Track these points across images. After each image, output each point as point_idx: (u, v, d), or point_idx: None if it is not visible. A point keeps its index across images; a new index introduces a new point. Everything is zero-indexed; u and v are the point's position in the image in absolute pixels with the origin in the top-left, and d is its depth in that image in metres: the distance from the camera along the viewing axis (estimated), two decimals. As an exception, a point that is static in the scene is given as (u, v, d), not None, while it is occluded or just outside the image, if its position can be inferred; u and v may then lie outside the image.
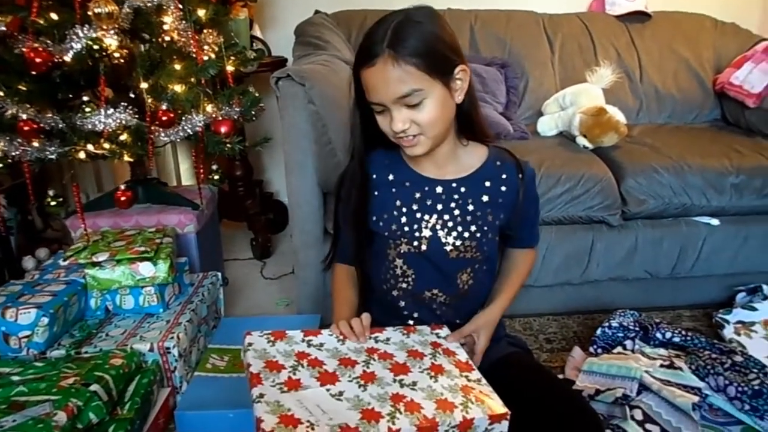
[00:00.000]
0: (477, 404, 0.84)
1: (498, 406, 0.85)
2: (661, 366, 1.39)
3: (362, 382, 0.86)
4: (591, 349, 1.58)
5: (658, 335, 1.54)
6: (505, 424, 0.84)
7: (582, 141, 1.93)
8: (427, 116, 0.96)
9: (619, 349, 1.54)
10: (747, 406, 1.28)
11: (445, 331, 1.05)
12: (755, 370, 1.33)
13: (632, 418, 1.27)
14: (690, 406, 1.24)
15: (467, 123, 1.06)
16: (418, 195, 1.08)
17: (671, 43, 2.41)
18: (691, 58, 2.40)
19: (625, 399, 1.30)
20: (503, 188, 1.09)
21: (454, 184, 1.08)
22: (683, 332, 1.54)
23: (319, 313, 1.71)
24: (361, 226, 1.12)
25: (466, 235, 1.08)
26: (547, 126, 2.15)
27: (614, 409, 1.30)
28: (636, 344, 1.54)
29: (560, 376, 1.52)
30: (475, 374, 0.93)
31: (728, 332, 1.67)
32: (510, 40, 2.36)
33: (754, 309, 1.71)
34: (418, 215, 1.08)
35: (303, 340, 0.96)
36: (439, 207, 1.08)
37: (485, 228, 1.08)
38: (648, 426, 1.25)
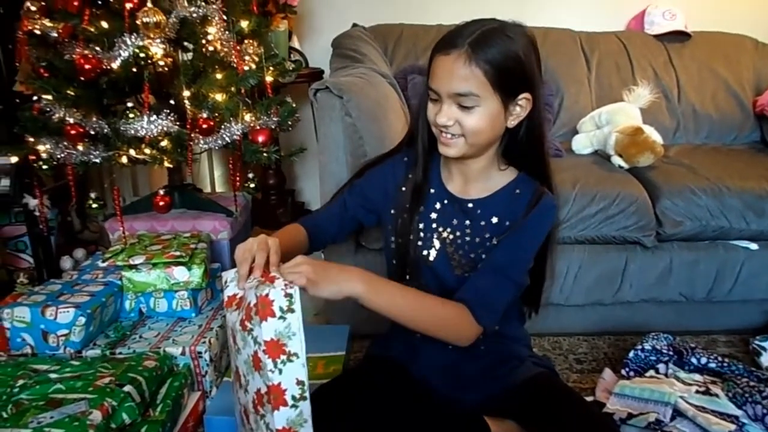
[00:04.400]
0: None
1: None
2: (697, 392, 1.36)
3: None
4: (623, 372, 1.55)
5: (693, 360, 1.51)
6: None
7: (617, 160, 1.91)
8: (473, 123, 0.97)
9: (651, 372, 1.51)
10: (786, 437, 1.24)
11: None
12: (795, 401, 1.29)
13: (665, 444, 1.24)
14: (726, 434, 1.21)
15: (520, 154, 1.06)
16: (438, 206, 1.10)
17: (710, 63, 2.38)
18: (731, 79, 2.35)
19: (658, 424, 1.27)
20: (513, 211, 1.07)
21: (470, 205, 1.09)
22: (719, 358, 1.50)
23: (347, 324, 1.71)
24: (403, 235, 1.11)
25: (472, 255, 1.08)
26: (582, 144, 2.13)
27: (647, 434, 1.27)
28: (669, 368, 1.51)
29: (590, 399, 1.50)
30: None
31: (765, 359, 1.62)
32: (546, 57, 2.32)
33: (792, 337, 1.66)
34: (434, 225, 1.10)
35: None
36: (455, 222, 1.09)
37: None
38: (682, 453, 1.23)
